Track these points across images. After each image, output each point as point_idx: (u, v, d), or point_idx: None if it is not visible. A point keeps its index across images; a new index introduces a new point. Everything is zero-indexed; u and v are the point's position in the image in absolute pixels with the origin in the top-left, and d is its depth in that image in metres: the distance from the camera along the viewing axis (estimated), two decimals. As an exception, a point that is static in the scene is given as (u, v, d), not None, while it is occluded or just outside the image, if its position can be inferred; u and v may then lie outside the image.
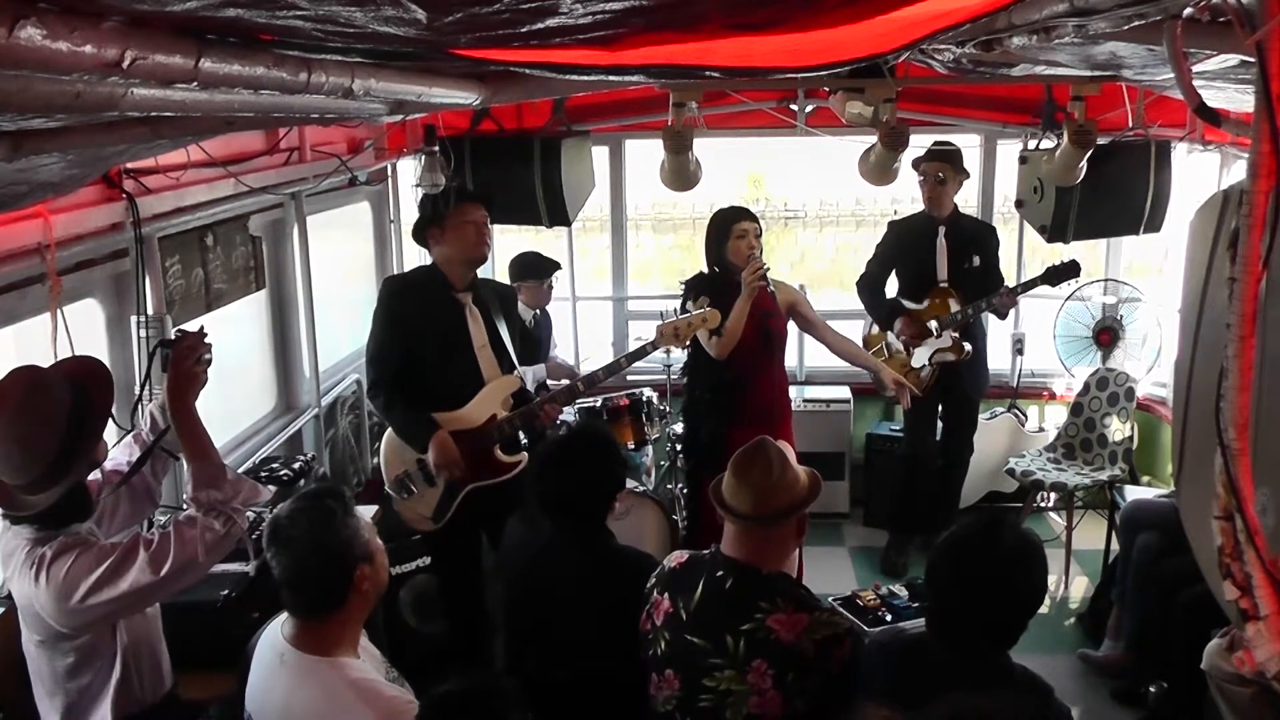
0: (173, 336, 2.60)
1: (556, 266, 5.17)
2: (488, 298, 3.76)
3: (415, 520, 3.75)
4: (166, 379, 2.46)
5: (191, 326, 2.64)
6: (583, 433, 3.02)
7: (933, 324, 4.92)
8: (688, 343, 4.07)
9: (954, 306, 4.92)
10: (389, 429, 3.76)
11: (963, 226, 5.01)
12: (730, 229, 4.13)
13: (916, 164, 4.90)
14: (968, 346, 4.92)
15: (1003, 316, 5.02)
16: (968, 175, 4.99)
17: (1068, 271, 4.90)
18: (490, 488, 3.69)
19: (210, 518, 2.31)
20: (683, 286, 4.33)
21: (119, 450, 2.61)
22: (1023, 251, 5.85)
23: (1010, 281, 5.14)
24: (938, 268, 4.95)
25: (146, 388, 2.78)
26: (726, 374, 4.12)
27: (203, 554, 2.27)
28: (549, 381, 4.89)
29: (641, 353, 3.96)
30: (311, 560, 2.11)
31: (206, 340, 2.53)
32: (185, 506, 2.40)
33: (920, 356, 4.97)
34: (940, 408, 5.19)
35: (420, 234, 3.72)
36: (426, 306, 3.65)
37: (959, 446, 5.21)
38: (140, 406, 2.70)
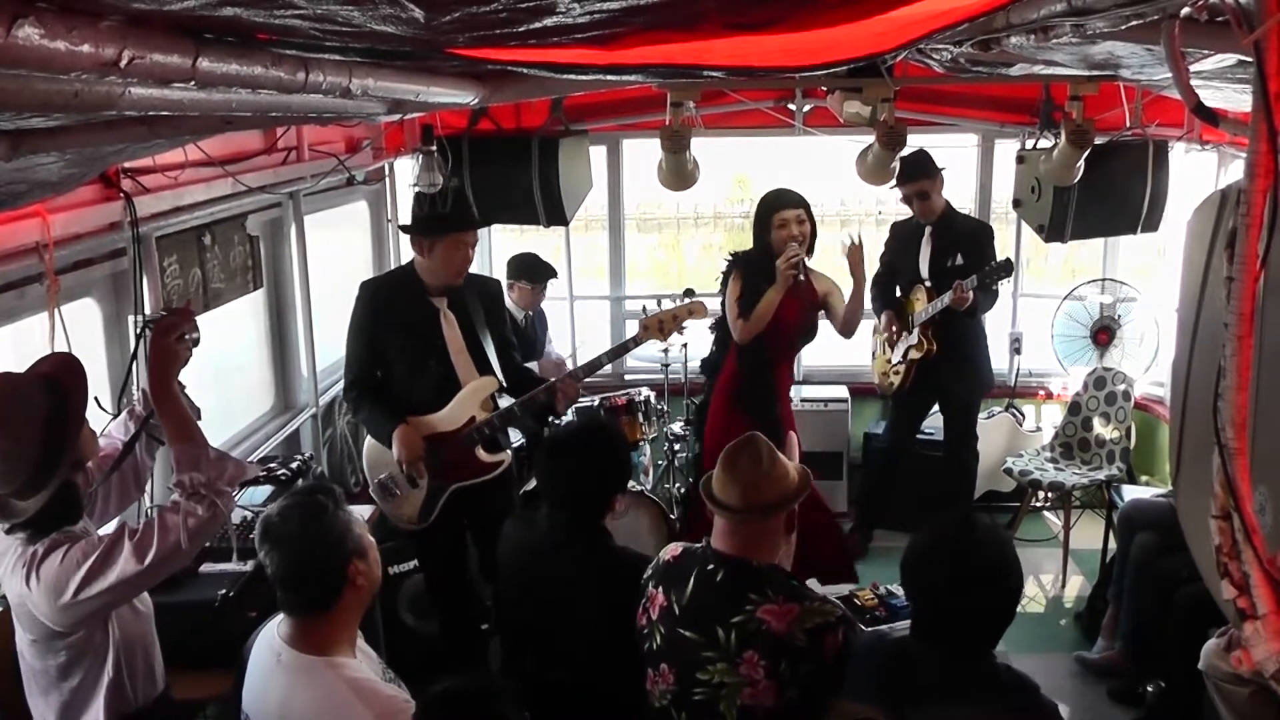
0: (160, 315, 2.55)
1: (553, 274, 5.16)
2: (468, 299, 3.69)
3: (400, 522, 3.75)
4: (148, 355, 2.41)
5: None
6: (592, 425, 2.99)
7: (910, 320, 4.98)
8: (676, 336, 3.99)
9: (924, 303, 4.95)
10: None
11: (952, 225, 4.98)
12: (770, 219, 4.04)
13: (901, 187, 4.83)
14: (932, 345, 4.91)
15: (967, 311, 4.78)
16: (942, 168, 4.92)
17: (1000, 271, 4.76)
18: (474, 488, 3.70)
19: (193, 502, 2.26)
20: (726, 261, 4.28)
21: (115, 425, 2.59)
22: (1020, 251, 5.85)
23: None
24: (920, 266, 4.99)
25: (133, 370, 2.74)
26: (767, 357, 4.08)
27: (185, 540, 2.22)
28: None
29: (625, 348, 3.93)
30: (305, 556, 2.10)
31: (194, 317, 2.48)
32: (171, 491, 2.36)
33: (896, 353, 5.05)
34: (940, 409, 5.26)
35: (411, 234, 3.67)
36: (400, 311, 3.63)
37: (953, 448, 5.22)
38: (129, 390, 2.66)
